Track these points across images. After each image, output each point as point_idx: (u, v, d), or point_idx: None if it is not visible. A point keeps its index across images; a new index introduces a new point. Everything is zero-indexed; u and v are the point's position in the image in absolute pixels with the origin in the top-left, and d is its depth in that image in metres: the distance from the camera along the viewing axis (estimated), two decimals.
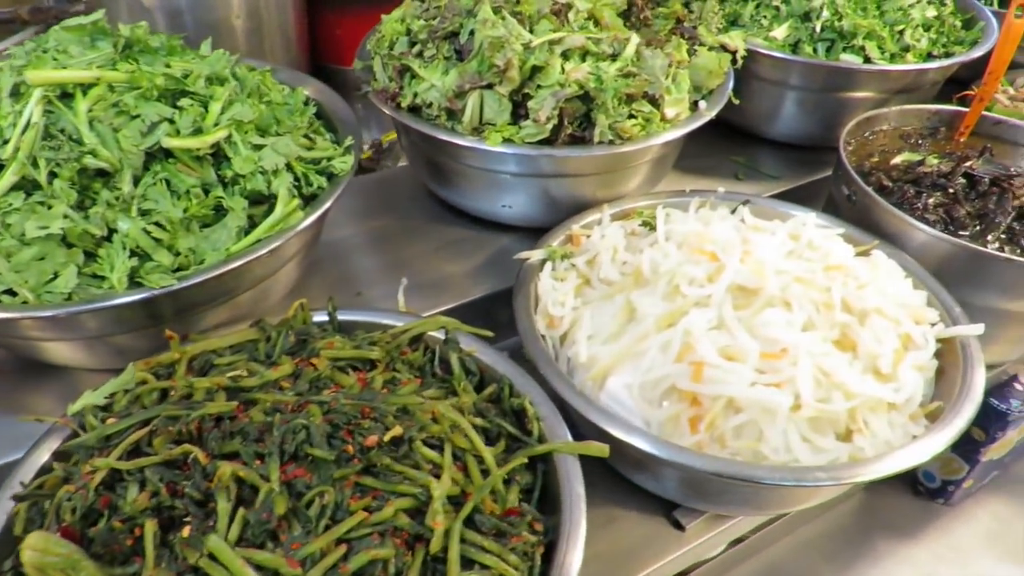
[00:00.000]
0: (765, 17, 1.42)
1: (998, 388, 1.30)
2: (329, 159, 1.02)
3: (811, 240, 1.02)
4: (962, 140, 1.35)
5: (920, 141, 1.34)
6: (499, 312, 1.16)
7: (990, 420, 1.28)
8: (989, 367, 1.23)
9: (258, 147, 0.96)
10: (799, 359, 0.85)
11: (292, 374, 0.80)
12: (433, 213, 1.34)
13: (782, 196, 1.45)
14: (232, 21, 1.81)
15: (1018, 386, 1.30)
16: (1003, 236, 1.12)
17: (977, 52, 1.37)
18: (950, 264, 1.09)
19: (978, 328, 0.95)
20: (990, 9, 1.52)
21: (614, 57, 1.11)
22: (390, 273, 1.21)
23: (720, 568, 1.35)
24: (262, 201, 0.95)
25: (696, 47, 1.29)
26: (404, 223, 1.33)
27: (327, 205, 0.95)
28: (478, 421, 0.79)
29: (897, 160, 1.29)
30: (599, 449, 0.79)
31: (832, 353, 0.88)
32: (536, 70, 1.07)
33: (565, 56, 1.10)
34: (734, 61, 1.31)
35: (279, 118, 1.02)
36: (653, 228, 1.10)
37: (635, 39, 1.13)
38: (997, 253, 1.05)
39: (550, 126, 1.06)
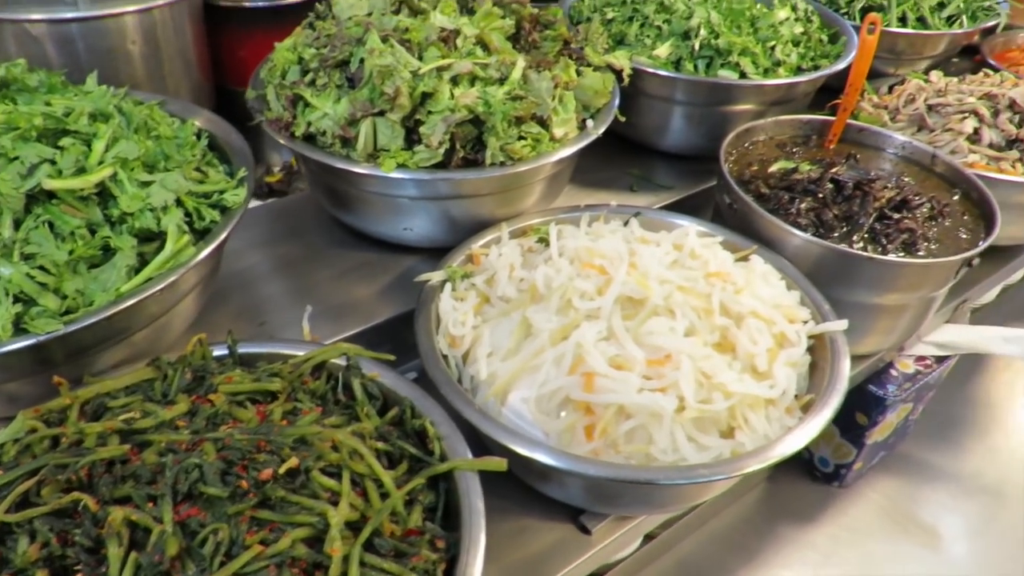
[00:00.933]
0: (648, 36, 1.49)
1: (876, 375, 1.40)
2: (221, 192, 1.02)
3: (693, 249, 1.09)
4: (831, 147, 1.45)
5: (794, 149, 1.44)
6: (407, 333, 1.18)
7: (871, 406, 1.39)
8: (866, 356, 1.35)
9: (146, 184, 0.95)
10: (681, 364, 0.91)
11: (188, 412, 0.80)
12: (337, 238, 1.35)
13: (675, 205, 1.53)
14: (127, 47, 1.75)
15: (894, 372, 1.42)
16: (866, 235, 1.22)
17: (841, 64, 1.48)
18: (822, 264, 1.17)
19: (842, 324, 1.03)
20: (852, 23, 1.64)
21: (502, 81, 1.15)
22: (295, 300, 1.22)
23: (634, 567, 1.41)
24: (152, 238, 0.94)
25: (583, 67, 1.36)
26: (309, 249, 1.33)
27: (219, 240, 0.96)
28: (380, 445, 0.81)
29: (774, 168, 1.38)
30: (497, 464, 0.82)
31: (712, 356, 0.94)
32: (426, 96, 1.11)
33: (455, 81, 1.14)
34: (620, 80, 1.38)
35: (168, 153, 1.01)
36: (549, 244, 1.15)
37: (522, 63, 1.17)
38: (860, 253, 1.14)
39: (442, 150, 1.09)
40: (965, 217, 1.29)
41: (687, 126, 1.53)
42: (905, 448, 1.61)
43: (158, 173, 0.97)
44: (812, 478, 1.61)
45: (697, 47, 1.45)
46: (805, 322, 1.06)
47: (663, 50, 1.46)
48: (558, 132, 1.18)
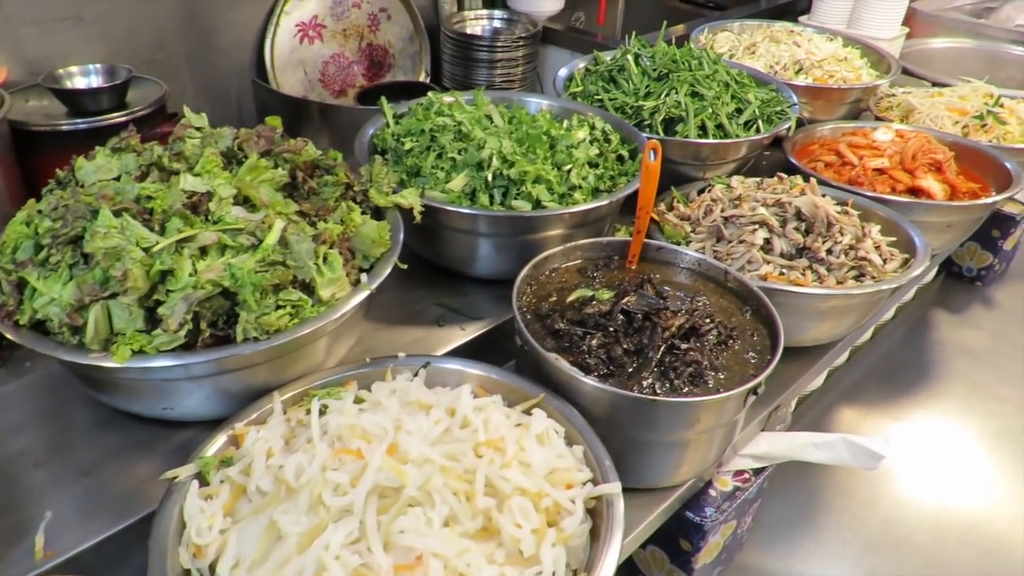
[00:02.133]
0: (442, 169, 1.47)
1: (695, 498, 1.38)
2: None
3: (466, 416, 1.03)
4: (633, 267, 1.45)
5: (595, 273, 1.43)
6: None
7: (691, 532, 1.36)
8: (679, 486, 1.32)
9: None
10: (430, 568, 0.83)
11: None
12: (102, 416, 1.22)
13: (485, 336, 1.49)
14: None
15: (712, 492, 1.39)
16: (656, 370, 1.20)
17: (631, 188, 1.50)
18: (615, 407, 1.14)
19: (614, 487, 0.99)
20: (656, 136, 1.68)
21: (256, 247, 1.08)
22: (35, 501, 1.08)
23: None
24: None
25: (368, 210, 1.31)
26: (63, 434, 1.19)
27: None
28: None
29: (573, 297, 1.36)
30: None
31: (471, 549, 0.87)
32: (166, 274, 1.02)
33: (203, 252, 1.06)
34: (412, 218, 1.34)
35: None
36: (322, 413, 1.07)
37: (279, 225, 1.11)
38: (642, 396, 1.12)
39: (184, 332, 1.00)
40: (755, 337, 1.30)
41: (493, 254, 1.50)
42: (743, 557, 1.59)
43: None
44: None
45: (490, 178, 1.44)
46: (584, 483, 1.01)
47: (457, 183, 1.44)
48: (325, 293, 1.12)
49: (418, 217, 1.34)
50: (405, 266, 1.24)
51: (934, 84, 2.42)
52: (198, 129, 1.33)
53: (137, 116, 2.08)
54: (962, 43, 2.81)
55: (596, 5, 3.92)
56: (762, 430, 1.51)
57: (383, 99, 1.67)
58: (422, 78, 3.51)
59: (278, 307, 1.06)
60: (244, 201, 1.18)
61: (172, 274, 1.02)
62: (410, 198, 1.34)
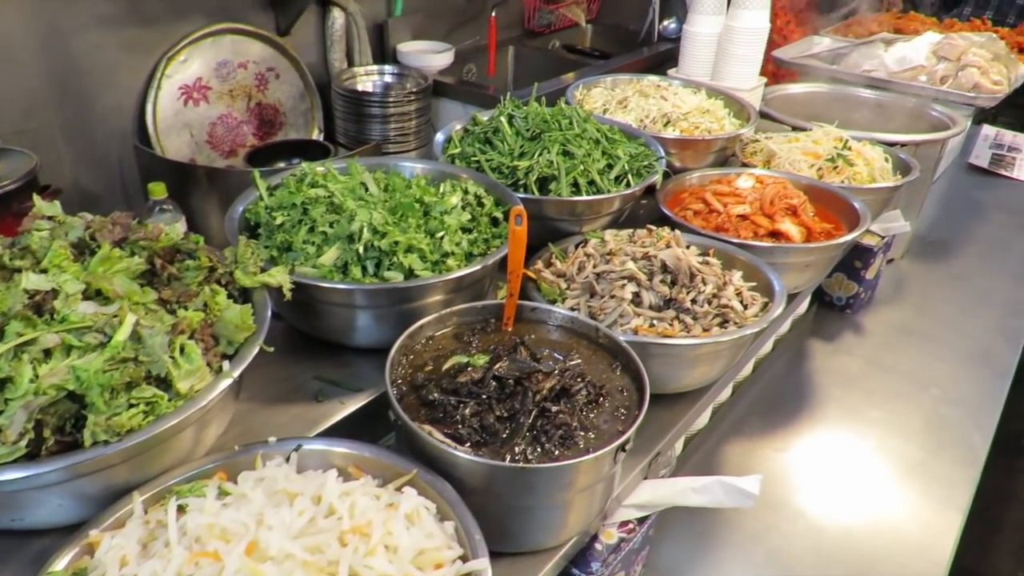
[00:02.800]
0: (313, 243, 1.47)
1: (581, 553, 1.41)
2: None
3: (331, 503, 1.03)
4: (509, 328, 1.49)
5: (471, 338, 1.45)
6: None
7: None
8: (564, 544, 1.34)
9: None
10: None
11: None
12: None
13: (369, 407, 1.48)
14: None
15: (598, 546, 1.43)
16: (528, 435, 1.22)
17: (502, 252, 1.54)
18: (489, 477, 1.16)
19: (481, 563, 1.00)
20: (530, 196, 1.73)
21: (106, 345, 1.05)
22: None
23: None
24: None
25: (235, 292, 1.30)
26: None
27: None
28: None
29: (448, 364, 1.38)
30: None
31: None
32: (4, 381, 0.98)
33: (48, 353, 1.02)
34: (283, 295, 1.33)
35: None
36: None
37: (130, 319, 1.08)
38: (510, 465, 1.14)
39: (24, 442, 0.96)
40: (624, 393, 1.35)
41: (371, 324, 1.51)
42: None
43: None
44: None
45: (362, 250, 1.45)
46: (454, 561, 1.02)
47: (328, 256, 1.44)
48: (183, 386, 1.09)
49: (288, 295, 1.33)
50: (271, 349, 1.23)
51: (794, 128, 2.61)
52: (50, 218, 1.29)
53: (4, 191, 1.98)
54: (819, 88, 3.05)
55: (486, 57, 4.03)
56: (645, 478, 1.55)
57: (255, 173, 1.66)
58: (315, 135, 3.50)
59: (131, 405, 1.03)
60: (97, 294, 1.15)
61: (11, 381, 0.97)
62: (278, 277, 1.33)
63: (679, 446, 1.91)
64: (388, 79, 3.64)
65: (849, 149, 2.29)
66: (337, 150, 3.38)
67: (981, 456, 2.01)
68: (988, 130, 4.08)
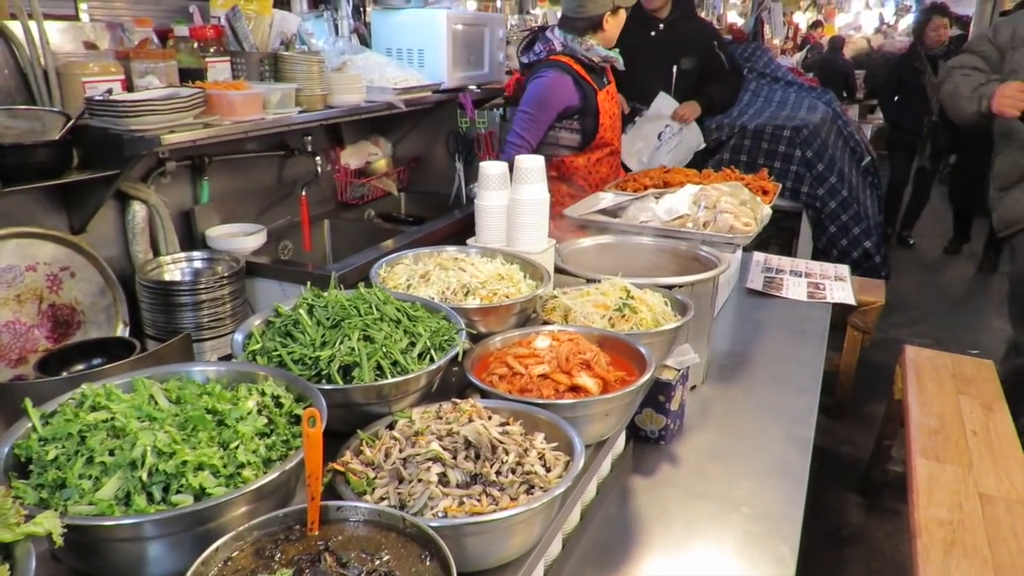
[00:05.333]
0: (91, 476, 1.39)
1: None
2: None
3: None
4: (315, 532, 1.45)
5: (275, 551, 1.40)
6: None
7: None
8: None
9: None
10: None
11: None
12: None
13: None
14: None
15: None
16: None
17: (301, 455, 1.53)
18: None
19: None
20: (335, 387, 1.75)
21: None
22: None
23: None
24: None
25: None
26: None
27: None
28: None
29: None
30: None
31: None
32: None
33: None
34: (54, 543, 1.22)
35: None
36: None
37: None
38: None
39: None
40: None
41: (166, 554, 1.40)
42: None
43: None
44: None
45: (145, 477, 1.38)
46: None
47: (107, 490, 1.36)
48: None
49: (59, 542, 1.23)
50: None
51: (588, 280, 2.86)
52: None
53: None
54: (608, 239, 3.39)
55: (301, 233, 4.11)
56: None
57: (27, 402, 1.56)
58: (120, 330, 3.35)
59: None
60: None
61: None
62: (46, 523, 1.23)
63: None
64: (198, 265, 3.60)
65: (632, 298, 2.54)
66: (145, 345, 3.25)
67: (791, 566, 2.16)
68: (758, 256, 4.70)
